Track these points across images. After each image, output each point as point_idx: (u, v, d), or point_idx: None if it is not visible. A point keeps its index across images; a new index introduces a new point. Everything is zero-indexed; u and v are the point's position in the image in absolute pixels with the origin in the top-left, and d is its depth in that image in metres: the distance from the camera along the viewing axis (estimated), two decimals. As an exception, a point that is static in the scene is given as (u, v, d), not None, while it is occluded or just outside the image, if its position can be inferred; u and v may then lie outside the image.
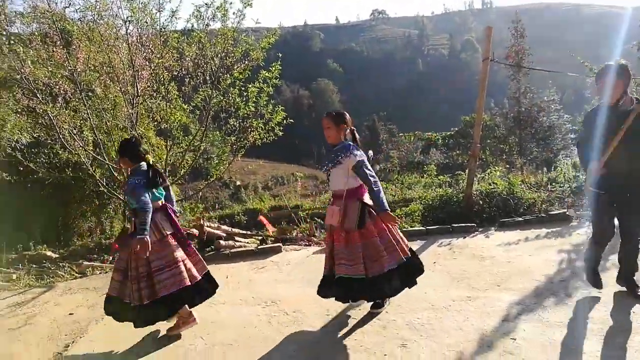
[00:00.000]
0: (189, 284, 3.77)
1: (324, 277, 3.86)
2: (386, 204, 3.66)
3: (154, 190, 3.89)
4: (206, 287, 4.02)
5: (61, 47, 6.93)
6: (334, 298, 3.76)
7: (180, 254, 3.86)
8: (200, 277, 3.94)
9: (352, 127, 3.87)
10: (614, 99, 3.59)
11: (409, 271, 3.78)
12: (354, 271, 3.60)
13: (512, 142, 22.44)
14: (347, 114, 3.87)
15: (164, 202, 4.00)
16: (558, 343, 3.19)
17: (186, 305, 3.83)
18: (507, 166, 16.35)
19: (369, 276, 3.60)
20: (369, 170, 3.65)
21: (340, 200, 3.73)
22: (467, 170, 7.74)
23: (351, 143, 3.77)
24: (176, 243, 3.89)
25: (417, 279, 3.89)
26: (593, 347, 3.09)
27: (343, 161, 3.66)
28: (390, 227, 3.76)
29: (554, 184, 8.02)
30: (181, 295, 3.74)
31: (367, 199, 3.77)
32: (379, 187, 3.66)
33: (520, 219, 6.77)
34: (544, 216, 6.77)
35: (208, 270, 4.11)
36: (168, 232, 3.86)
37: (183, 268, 3.79)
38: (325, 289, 3.81)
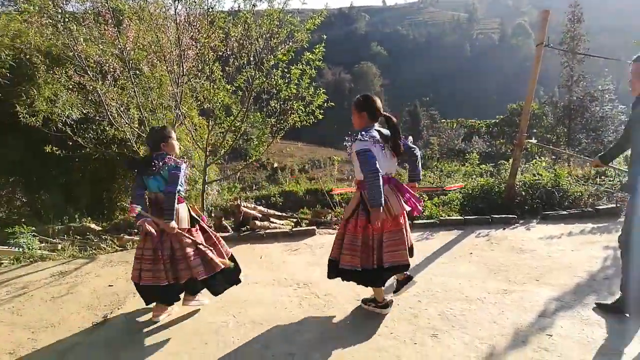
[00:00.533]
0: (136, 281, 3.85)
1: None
2: (378, 200, 3.31)
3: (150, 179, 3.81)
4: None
5: (112, 25, 7.08)
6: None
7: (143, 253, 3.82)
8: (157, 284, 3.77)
9: (385, 114, 3.60)
10: None
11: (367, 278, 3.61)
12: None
13: (561, 132, 21.55)
14: (375, 99, 3.61)
15: (154, 195, 3.85)
16: (596, 342, 3.08)
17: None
18: (554, 157, 15.74)
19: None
20: (369, 161, 3.33)
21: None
22: (510, 160, 7.50)
23: (363, 130, 3.49)
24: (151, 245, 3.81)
25: (451, 269, 3.81)
26: (634, 349, 2.96)
27: (349, 149, 3.51)
28: (378, 229, 3.49)
29: (603, 177, 7.66)
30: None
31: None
32: (373, 181, 3.31)
33: (565, 212, 6.53)
34: (591, 210, 6.50)
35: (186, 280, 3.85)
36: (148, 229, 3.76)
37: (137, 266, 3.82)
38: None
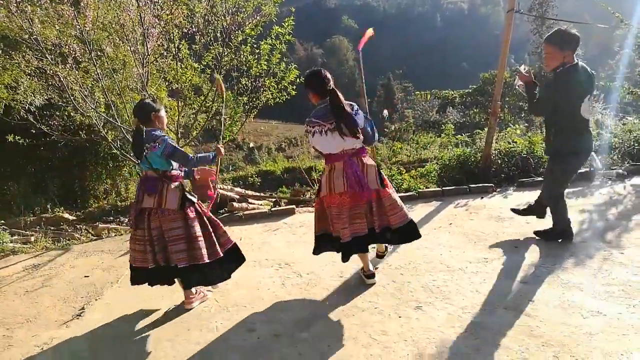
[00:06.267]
0: None
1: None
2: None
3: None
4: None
5: (69, 4, 6.76)
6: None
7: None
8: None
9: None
10: None
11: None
12: None
13: (532, 99, 21.82)
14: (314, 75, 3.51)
15: (145, 173, 3.66)
16: (577, 305, 3.11)
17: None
18: (526, 124, 15.92)
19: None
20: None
21: None
22: (486, 129, 7.53)
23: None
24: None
25: (432, 241, 3.79)
26: (614, 309, 3.01)
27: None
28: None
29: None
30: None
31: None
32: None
33: (540, 178, 6.58)
34: (565, 176, 6.58)
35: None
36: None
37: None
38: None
